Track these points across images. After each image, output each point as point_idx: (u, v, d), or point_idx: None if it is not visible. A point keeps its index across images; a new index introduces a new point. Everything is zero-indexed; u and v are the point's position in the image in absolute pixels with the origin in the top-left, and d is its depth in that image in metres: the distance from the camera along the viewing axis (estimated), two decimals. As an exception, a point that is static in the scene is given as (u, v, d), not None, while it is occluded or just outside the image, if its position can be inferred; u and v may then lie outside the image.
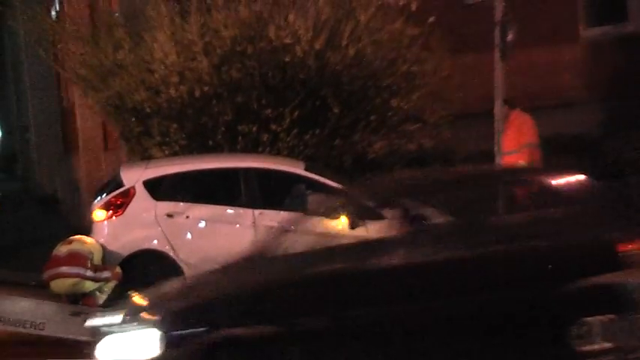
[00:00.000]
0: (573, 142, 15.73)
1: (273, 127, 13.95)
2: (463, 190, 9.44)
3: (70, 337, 11.08)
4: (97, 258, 11.81)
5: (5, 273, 13.52)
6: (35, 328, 11.22)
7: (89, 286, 11.61)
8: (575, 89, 18.17)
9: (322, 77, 14.24)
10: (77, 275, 11.46)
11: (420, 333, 7.53)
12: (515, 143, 13.70)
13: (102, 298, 11.73)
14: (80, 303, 11.64)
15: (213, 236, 12.33)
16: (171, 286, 9.23)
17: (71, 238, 12.05)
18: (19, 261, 15.83)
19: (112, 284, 11.82)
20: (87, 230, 12.78)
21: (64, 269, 11.51)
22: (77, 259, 11.59)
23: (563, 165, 13.51)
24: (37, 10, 15.60)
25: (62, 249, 11.79)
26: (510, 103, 13.75)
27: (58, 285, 11.56)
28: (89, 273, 11.51)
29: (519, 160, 13.78)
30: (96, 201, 12.85)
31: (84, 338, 10.90)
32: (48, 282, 11.63)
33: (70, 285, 11.51)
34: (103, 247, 12.04)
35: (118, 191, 12.58)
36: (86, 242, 11.98)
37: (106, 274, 11.75)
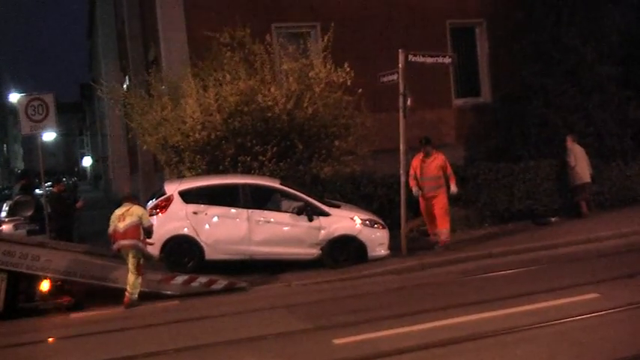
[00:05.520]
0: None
1: (260, 157, 13.77)
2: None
3: None
4: (145, 218, 10.98)
5: (94, 247, 13.20)
6: (112, 282, 11.19)
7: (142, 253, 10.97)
8: (449, 136, 18.39)
9: (291, 127, 14.11)
10: (134, 246, 10.79)
11: None
12: (438, 169, 13.36)
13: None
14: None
15: (222, 226, 12.16)
16: None
17: (124, 213, 10.91)
18: (102, 241, 15.47)
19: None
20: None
21: (124, 242, 10.83)
22: (132, 232, 10.81)
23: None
24: (115, 84, 15.50)
25: (120, 225, 10.83)
26: (433, 144, 13.54)
27: (125, 253, 10.86)
28: (140, 245, 10.86)
29: (439, 181, 13.41)
30: (149, 203, 12.61)
31: (144, 289, 11.00)
32: (118, 251, 10.95)
33: (132, 252, 10.76)
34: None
35: (162, 197, 12.41)
36: (135, 213, 10.92)
37: (148, 248, 11.18)
